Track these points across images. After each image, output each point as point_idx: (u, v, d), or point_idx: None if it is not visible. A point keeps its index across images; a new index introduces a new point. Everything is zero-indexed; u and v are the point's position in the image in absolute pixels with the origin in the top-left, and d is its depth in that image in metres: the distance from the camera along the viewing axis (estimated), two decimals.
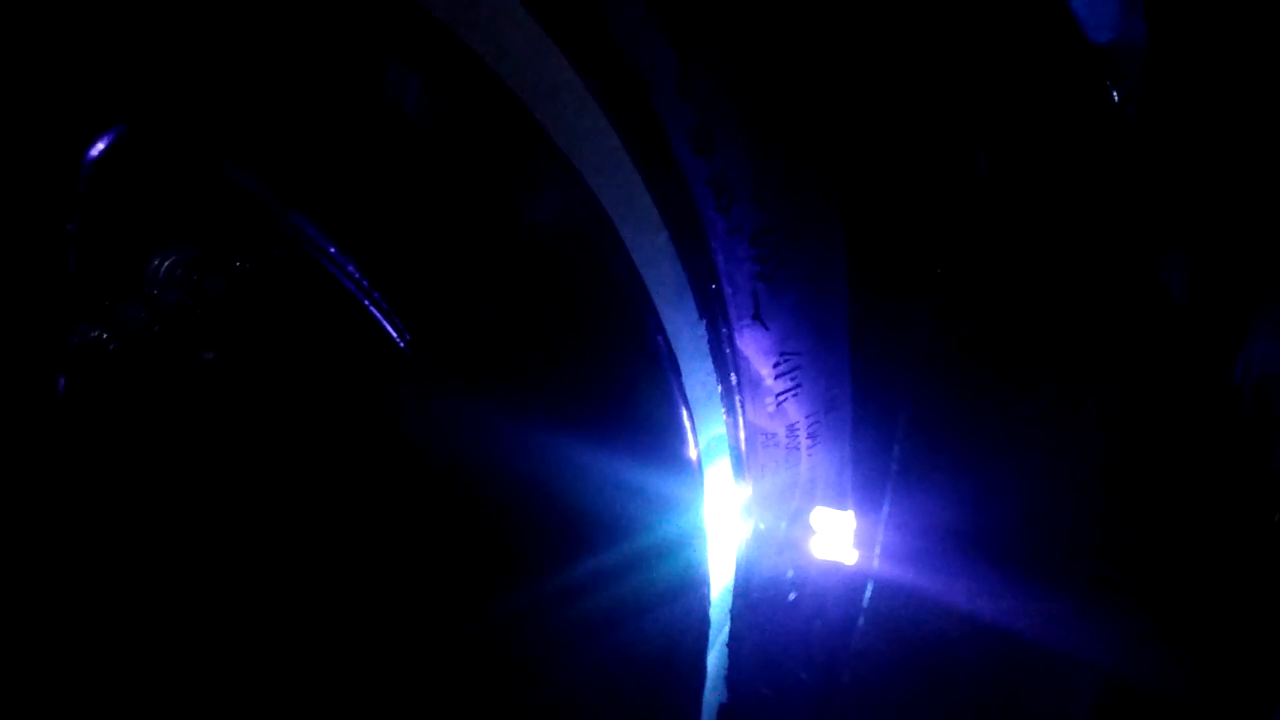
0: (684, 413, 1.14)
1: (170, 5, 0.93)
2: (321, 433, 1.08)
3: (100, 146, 1.06)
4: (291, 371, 1.09)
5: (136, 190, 1.06)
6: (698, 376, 1.15)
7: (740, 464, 1.17)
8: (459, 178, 1.05)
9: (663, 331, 1.11)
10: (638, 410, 1.13)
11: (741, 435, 1.17)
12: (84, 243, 1.08)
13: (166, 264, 1.09)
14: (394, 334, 1.07)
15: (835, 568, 1.17)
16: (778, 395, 1.16)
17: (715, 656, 1.18)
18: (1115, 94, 1.16)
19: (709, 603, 1.15)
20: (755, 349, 1.15)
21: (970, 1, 1.06)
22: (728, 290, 1.12)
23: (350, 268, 1.06)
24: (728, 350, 1.14)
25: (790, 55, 1.05)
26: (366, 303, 1.07)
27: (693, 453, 1.15)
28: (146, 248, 1.09)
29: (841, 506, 1.18)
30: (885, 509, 1.15)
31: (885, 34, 1.07)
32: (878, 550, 1.15)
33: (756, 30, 1.04)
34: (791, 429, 1.17)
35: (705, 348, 1.15)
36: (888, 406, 1.15)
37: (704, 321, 1.14)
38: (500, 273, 1.08)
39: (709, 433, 1.17)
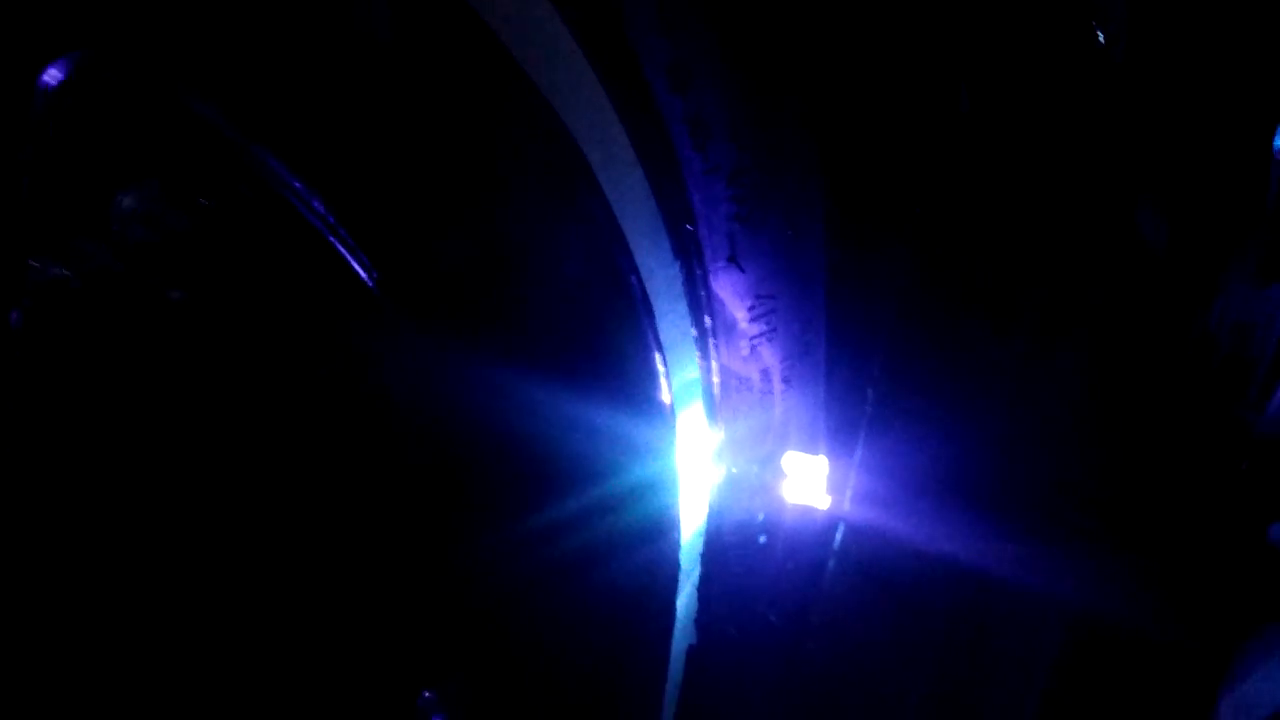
0: (657, 356, 1.13)
1: None
2: (288, 371, 1.07)
3: (54, 73, 1.03)
4: (257, 309, 1.07)
5: (96, 123, 1.03)
6: (671, 319, 1.14)
7: (713, 408, 1.16)
8: (426, 110, 1.03)
9: (636, 272, 1.10)
10: (610, 353, 1.12)
11: (715, 379, 1.16)
12: (40, 174, 1.05)
13: (129, 200, 1.07)
14: (361, 271, 1.05)
15: (807, 511, 1.17)
16: (752, 339, 1.15)
17: (685, 599, 1.18)
18: (1101, 35, 1.14)
19: (680, 546, 1.15)
20: (730, 292, 1.13)
21: None
22: (703, 231, 1.11)
23: (316, 203, 1.04)
24: (702, 293, 1.13)
25: None
26: (333, 239, 1.05)
27: (666, 396, 1.14)
28: (109, 184, 1.06)
29: (814, 451, 1.18)
30: (858, 453, 1.14)
31: None
32: (850, 494, 1.14)
33: None
34: (765, 373, 1.16)
35: (680, 290, 1.13)
36: (863, 350, 1.14)
37: (679, 263, 1.12)
38: (469, 209, 1.06)
39: (682, 376, 1.16)
